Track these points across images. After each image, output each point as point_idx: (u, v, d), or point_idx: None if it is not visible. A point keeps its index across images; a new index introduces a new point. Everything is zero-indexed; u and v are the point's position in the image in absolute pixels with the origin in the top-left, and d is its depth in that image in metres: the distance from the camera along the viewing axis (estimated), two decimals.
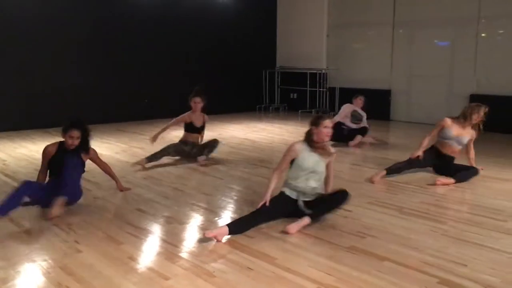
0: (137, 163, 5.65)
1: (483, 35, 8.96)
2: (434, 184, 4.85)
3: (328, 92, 11.35)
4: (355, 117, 7.35)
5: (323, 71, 11.32)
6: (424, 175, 5.29)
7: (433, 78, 9.73)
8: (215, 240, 3.28)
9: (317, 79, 11.36)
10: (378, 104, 10.42)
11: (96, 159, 4.49)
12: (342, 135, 7.04)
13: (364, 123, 7.42)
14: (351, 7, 11.00)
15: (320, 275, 2.79)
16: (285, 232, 3.43)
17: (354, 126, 7.31)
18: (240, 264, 2.95)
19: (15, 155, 6.35)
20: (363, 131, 7.31)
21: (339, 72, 11.24)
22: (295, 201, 3.74)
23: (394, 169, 5.22)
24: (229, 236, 3.35)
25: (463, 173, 5.04)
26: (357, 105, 7.44)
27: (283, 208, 3.73)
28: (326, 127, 3.67)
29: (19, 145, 7.09)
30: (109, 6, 9.40)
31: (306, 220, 3.53)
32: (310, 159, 3.70)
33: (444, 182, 4.89)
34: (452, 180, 4.92)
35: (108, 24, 9.38)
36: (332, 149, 3.88)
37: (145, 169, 5.54)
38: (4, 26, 8.14)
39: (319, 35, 11.52)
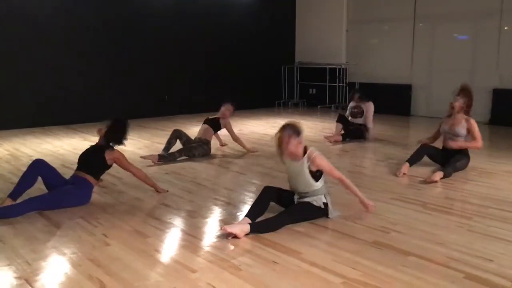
0: (147, 157, 5.64)
1: (505, 28, 8.81)
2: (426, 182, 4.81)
3: (347, 87, 11.29)
4: (352, 113, 7.39)
5: (343, 66, 11.28)
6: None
7: (454, 73, 9.61)
8: (236, 236, 3.28)
9: (337, 74, 11.32)
10: (399, 99, 10.36)
11: (122, 163, 4.29)
12: (349, 132, 7.21)
13: (363, 120, 7.32)
14: (371, 1, 10.92)
15: (346, 270, 2.80)
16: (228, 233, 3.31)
17: (359, 121, 7.32)
18: (265, 258, 2.98)
19: (41, 150, 6.48)
20: (355, 133, 7.25)
21: (359, 67, 11.18)
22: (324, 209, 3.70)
23: (414, 158, 5.24)
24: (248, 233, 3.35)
25: (449, 168, 5.01)
26: (353, 101, 7.41)
27: (312, 215, 3.67)
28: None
29: (43, 141, 7.23)
30: (129, 3, 9.49)
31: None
32: None
33: (432, 179, 4.81)
34: (440, 174, 4.86)
35: (128, 24, 9.48)
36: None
37: (155, 164, 5.58)
38: (29, 26, 8.28)
39: (339, 30, 11.47)
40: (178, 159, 5.84)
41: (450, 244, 3.19)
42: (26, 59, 8.33)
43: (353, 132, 7.23)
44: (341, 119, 7.32)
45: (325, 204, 3.66)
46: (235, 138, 6.36)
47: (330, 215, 3.69)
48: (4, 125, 8.17)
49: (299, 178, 3.63)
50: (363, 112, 7.29)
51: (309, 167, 3.58)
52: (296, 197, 3.72)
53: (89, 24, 8.99)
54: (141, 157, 5.68)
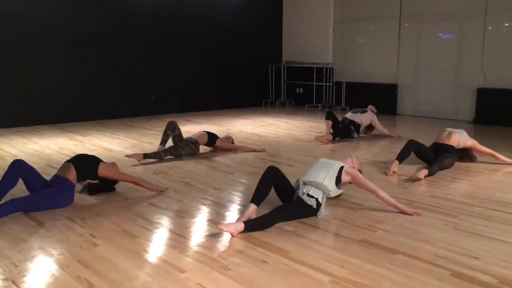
0: (132, 156, 5.60)
1: (489, 28, 8.93)
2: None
3: (334, 87, 11.35)
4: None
5: (329, 65, 11.33)
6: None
7: (440, 72, 9.72)
8: (230, 235, 3.31)
9: (323, 74, 11.37)
10: (385, 98, 10.44)
11: (114, 176, 4.33)
12: (338, 131, 7.29)
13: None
14: (357, 1, 10.98)
15: (334, 268, 2.82)
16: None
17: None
18: (254, 257, 2.98)
19: (26, 150, 6.41)
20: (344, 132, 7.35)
21: (346, 67, 11.24)
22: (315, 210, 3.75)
23: (403, 155, 5.31)
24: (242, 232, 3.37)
25: (434, 167, 5.10)
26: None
27: (304, 214, 3.72)
28: None
29: (30, 140, 7.15)
30: (116, 2, 9.42)
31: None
32: None
33: (417, 177, 4.88)
34: (425, 172, 4.95)
35: (115, 20, 9.42)
36: None
37: (140, 163, 5.58)
38: (10, 25, 8.17)
39: (325, 29, 11.52)
40: (165, 158, 5.82)
41: (437, 242, 3.23)
42: (13, 59, 8.23)
43: (342, 131, 7.26)
44: (330, 116, 7.36)
45: (318, 204, 3.69)
46: (236, 148, 6.41)
47: (319, 215, 3.72)
48: None
49: (323, 171, 3.82)
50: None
51: (339, 175, 3.83)
52: (297, 193, 3.75)
53: (78, 24, 8.90)
54: (126, 155, 5.65)
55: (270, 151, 6.42)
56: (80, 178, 4.17)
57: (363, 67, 10.96)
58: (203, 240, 3.31)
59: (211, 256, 3.01)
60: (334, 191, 3.84)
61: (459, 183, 4.84)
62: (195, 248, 3.15)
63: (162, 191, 4.45)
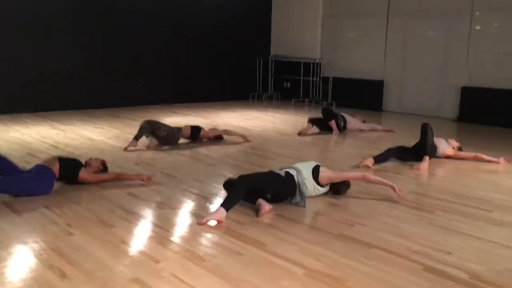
0: (129, 146, 5.76)
1: (477, 28, 9.00)
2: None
3: (321, 82, 11.37)
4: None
5: (317, 60, 11.33)
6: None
7: (426, 70, 9.78)
8: (216, 222, 3.38)
9: (311, 69, 11.37)
10: (371, 95, 10.49)
11: (90, 180, 4.31)
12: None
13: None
14: None
15: (309, 261, 2.84)
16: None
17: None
18: (230, 249, 2.99)
19: (8, 138, 6.33)
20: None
21: (333, 62, 11.25)
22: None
23: (380, 158, 5.36)
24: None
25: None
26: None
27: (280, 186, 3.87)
28: None
29: (11, 128, 7.06)
30: None
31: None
32: None
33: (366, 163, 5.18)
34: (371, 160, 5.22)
35: (101, 8, 9.31)
36: None
37: (136, 149, 5.75)
38: None
39: (314, 24, 11.51)
40: (148, 137, 5.93)
41: (412, 237, 3.26)
42: None
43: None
44: (314, 121, 7.38)
45: (297, 187, 3.87)
46: (224, 131, 6.59)
47: (294, 200, 3.85)
48: None
49: (304, 165, 4.05)
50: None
51: (316, 169, 4.02)
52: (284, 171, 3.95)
53: (62, 10, 8.79)
54: (124, 150, 5.75)
55: (254, 144, 6.41)
56: (60, 176, 4.14)
57: (350, 62, 10.98)
58: (181, 231, 3.31)
59: (188, 247, 3.01)
60: (311, 183, 3.92)
61: (439, 180, 4.89)
62: (173, 239, 3.14)
63: (149, 178, 4.43)
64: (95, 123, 7.70)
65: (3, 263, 2.73)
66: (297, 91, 11.76)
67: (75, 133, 6.86)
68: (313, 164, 4.07)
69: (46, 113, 8.57)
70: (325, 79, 11.30)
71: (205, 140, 6.42)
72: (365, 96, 10.58)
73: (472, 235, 3.34)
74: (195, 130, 6.32)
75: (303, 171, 3.93)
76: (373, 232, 3.35)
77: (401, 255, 2.96)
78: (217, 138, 6.51)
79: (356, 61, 10.88)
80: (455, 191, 4.46)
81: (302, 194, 3.85)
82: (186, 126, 6.34)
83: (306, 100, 11.46)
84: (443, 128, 8.08)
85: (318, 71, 11.37)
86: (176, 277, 2.60)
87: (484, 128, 8.33)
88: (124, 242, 3.08)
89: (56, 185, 4.14)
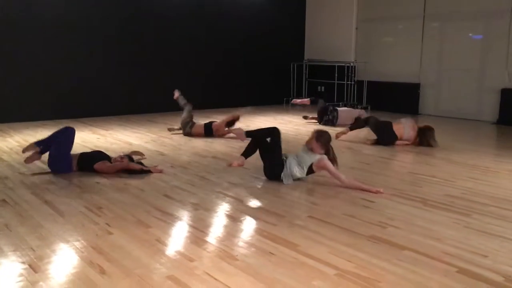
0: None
1: None
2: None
3: (356, 86, 11.30)
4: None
5: (352, 64, 11.28)
6: (452, 169, 5.29)
7: (463, 72, 9.58)
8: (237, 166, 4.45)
9: (345, 72, 11.32)
10: (407, 98, 10.36)
11: (105, 170, 4.90)
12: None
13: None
14: (381, 0, 10.91)
15: (340, 262, 2.85)
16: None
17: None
18: (263, 249, 3.04)
19: None
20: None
21: (368, 66, 11.17)
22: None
23: (354, 125, 6.94)
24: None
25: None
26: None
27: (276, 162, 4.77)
28: None
29: None
30: (140, 0, 9.60)
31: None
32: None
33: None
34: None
35: (138, 17, 9.58)
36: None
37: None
38: (42, 23, 8.42)
39: (348, 28, 11.47)
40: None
41: (446, 240, 3.23)
42: (39, 56, 8.47)
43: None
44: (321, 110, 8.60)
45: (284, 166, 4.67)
46: (231, 117, 7.24)
47: (282, 176, 4.63)
48: (17, 118, 8.34)
49: (299, 158, 4.70)
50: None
51: (312, 164, 4.62)
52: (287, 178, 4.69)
53: (101, 21, 9.09)
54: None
55: (288, 148, 6.43)
56: (79, 164, 4.97)
57: (385, 66, 10.87)
58: (215, 232, 3.38)
59: (222, 247, 3.08)
60: (302, 160, 4.65)
61: (475, 183, 4.79)
62: (207, 239, 3.22)
63: (160, 171, 5.01)
64: (132, 128, 7.93)
65: (47, 259, 2.87)
66: (331, 95, 11.72)
67: (114, 137, 7.09)
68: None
69: (86, 118, 8.88)
70: (360, 83, 11.23)
71: (220, 134, 7.12)
72: (401, 99, 10.45)
73: (509, 238, 3.27)
74: (208, 124, 7.10)
75: (302, 155, 4.68)
76: (406, 234, 3.33)
77: (434, 257, 2.94)
78: (230, 124, 7.13)
79: (391, 64, 10.77)
80: (491, 194, 4.37)
81: (288, 168, 4.62)
82: (199, 125, 7.13)
83: (340, 104, 11.39)
84: (482, 131, 7.90)
85: (353, 74, 11.30)
86: (209, 275, 2.67)
87: None
88: (160, 241, 3.19)
89: (94, 187, 4.30)
